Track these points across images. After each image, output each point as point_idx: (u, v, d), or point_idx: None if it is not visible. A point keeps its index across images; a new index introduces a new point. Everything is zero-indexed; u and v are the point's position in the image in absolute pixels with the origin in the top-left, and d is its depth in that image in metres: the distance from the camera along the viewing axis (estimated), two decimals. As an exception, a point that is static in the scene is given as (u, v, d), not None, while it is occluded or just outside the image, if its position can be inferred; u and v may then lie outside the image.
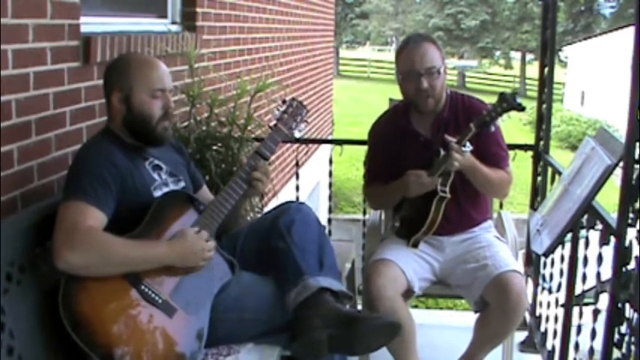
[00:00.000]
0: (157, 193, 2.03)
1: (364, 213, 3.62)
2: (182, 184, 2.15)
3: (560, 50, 25.11)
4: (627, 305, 1.89)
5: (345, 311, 2.01)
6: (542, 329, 3.01)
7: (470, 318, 2.53)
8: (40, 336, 1.81)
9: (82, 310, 1.74)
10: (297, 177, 3.85)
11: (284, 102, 2.26)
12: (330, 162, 3.83)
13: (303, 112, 2.26)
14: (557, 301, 2.84)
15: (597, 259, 2.19)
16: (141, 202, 1.96)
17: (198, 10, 3.60)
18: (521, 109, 2.34)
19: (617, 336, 1.93)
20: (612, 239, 1.98)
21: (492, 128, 2.36)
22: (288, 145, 5.04)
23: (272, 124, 2.22)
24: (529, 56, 33.62)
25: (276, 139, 2.19)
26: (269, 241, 2.11)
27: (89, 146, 2.02)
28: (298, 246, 2.07)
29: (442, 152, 2.38)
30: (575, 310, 2.45)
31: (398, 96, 2.82)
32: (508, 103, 2.32)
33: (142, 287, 1.84)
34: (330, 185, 3.93)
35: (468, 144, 2.34)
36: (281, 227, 2.10)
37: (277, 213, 2.18)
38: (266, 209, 2.47)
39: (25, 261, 1.83)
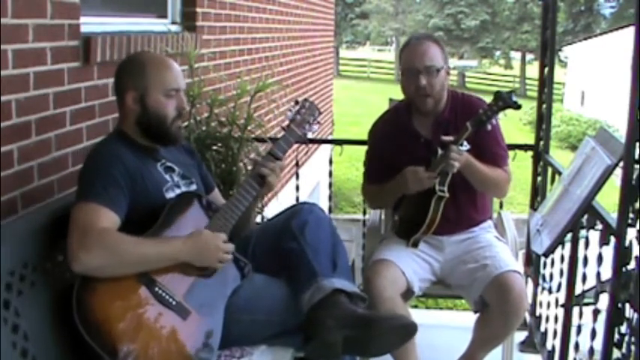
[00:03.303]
0: (169, 195, 2.01)
1: (364, 213, 3.61)
2: (194, 186, 2.13)
3: (560, 50, 25.12)
4: (627, 305, 1.89)
5: (360, 312, 2.00)
6: (542, 329, 3.01)
7: (470, 318, 2.52)
8: (54, 338, 1.80)
9: (96, 312, 1.73)
10: (297, 177, 3.85)
11: (297, 102, 2.24)
12: (330, 162, 3.83)
13: (316, 113, 2.24)
14: (557, 301, 2.84)
15: (597, 259, 2.19)
16: (153, 204, 1.95)
17: (198, 10, 3.60)
18: (516, 107, 2.33)
19: (617, 336, 1.93)
20: (612, 239, 1.98)
21: (489, 127, 2.35)
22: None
23: (285, 124, 2.20)
24: (529, 56, 33.61)
25: (289, 140, 2.17)
26: (281, 243, 2.10)
27: (100, 148, 2.00)
28: (311, 247, 2.06)
29: (440, 152, 2.37)
30: (575, 310, 2.45)
31: (398, 96, 2.83)
32: (504, 101, 2.32)
33: (156, 289, 1.83)
34: (330, 185, 3.93)
35: (465, 143, 2.35)
36: (294, 228, 2.09)
37: (289, 214, 2.17)
38: (266, 210, 2.46)
39: (38, 262, 1.81)
